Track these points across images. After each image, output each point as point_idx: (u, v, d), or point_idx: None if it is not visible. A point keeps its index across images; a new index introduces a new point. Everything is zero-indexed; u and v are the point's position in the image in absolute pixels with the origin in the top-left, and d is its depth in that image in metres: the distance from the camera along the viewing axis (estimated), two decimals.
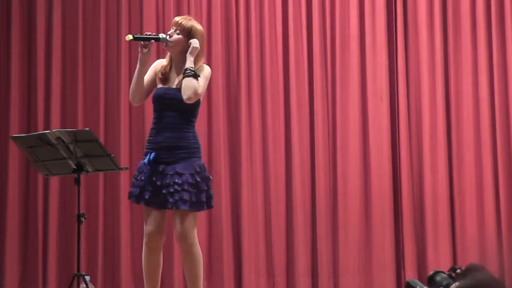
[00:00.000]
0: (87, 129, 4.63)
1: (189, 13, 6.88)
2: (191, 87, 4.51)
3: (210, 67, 6.76)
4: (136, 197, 4.61)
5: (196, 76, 4.53)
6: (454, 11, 6.78)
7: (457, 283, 2.53)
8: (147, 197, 4.57)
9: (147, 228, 4.62)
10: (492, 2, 6.73)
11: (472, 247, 6.37)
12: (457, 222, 6.63)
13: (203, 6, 6.92)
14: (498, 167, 6.62)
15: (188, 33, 4.62)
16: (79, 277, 4.62)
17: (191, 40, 4.57)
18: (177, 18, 4.69)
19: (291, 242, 6.70)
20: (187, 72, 4.53)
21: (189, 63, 4.55)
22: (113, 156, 4.60)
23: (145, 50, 4.57)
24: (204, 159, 6.69)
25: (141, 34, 4.61)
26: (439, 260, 6.52)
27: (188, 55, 4.56)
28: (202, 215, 6.57)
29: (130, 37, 4.50)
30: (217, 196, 6.74)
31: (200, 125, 6.72)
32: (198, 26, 4.67)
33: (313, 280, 6.66)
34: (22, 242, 6.79)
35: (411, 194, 6.67)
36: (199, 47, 4.57)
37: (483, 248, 6.39)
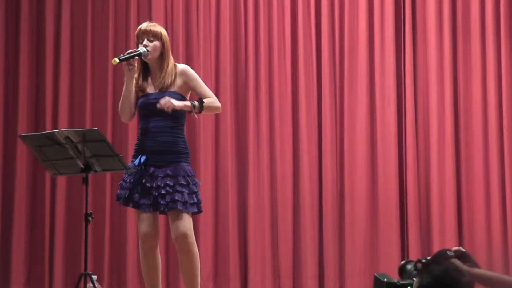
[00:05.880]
0: (96, 128, 4.64)
1: (197, 15, 6.89)
2: (215, 109, 4.75)
3: (218, 69, 6.87)
4: (124, 199, 4.65)
5: (201, 101, 4.64)
6: (463, 15, 6.76)
7: (417, 280, 2.54)
8: (136, 199, 4.60)
9: (141, 230, 4.65)
10: (501, 7, 6.71)
11: (479, 252, 6.35)
12: (464, 227, 6.61)
13: (212, 6, 6.92)
14: (505, 172, 6.59)
15: (160, 37, 4.71)
16: (86, 276, 4.62)
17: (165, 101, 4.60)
18: (143, 27, 4.76)
19: (297, 243, 6.70)
20: (197, 106, 4.62)
21: (187, 103, 4.62)
22: (121, 156, 4.61)
23: (130, 67, 4.65)
24: (211, 160, 6.76)
25: (124, 54, 4.65)
26: None
27: (179, 107, 4.59)
28: (208, 216, 6.58)
29: (116, 60, 4.58)
30: (223, 197, 6.75)
31: (207, 126, 6.76)
32: (163, 29, 4.78)
33: (319, 282, 6.65)
34: (29, 241, 6.81)
35: (417, 198, 6.66)
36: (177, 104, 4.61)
37: (490, 253, 6.39)
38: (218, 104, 4.74)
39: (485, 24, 6.73)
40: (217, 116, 6.80)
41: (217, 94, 6.80)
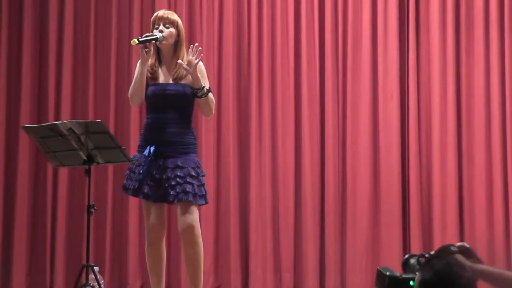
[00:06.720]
0: (99, 120, 4.63)
1: (201, 12, 6.88)
2: (209, 109, 4.71)
3: (220, 63, 6.86)
4: (134, 191, 4.64)
5: (209, 91, 4.65)
6: (467, 10, 6.75)
7: (419, 275, 2.53)
8: (145, 191, 4.59)
9: (149, 221, 4.65)
10: (505, 1, 6.70)
11: (480, 248, 6.35)
12: (465, 222, 6.61)
13: (215, 2, 6.91)
14: (507, 167, 6.59)
15: (176, 26, 4.71)
16: (88, 267, 4.63)
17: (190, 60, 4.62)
18: (160, 13, 4.75)
19: (299, 238, 6.69)
20: (203, 92, 4.61)
21: (200, 82, 4.62)
22: (124, 148, 4.61)
23: (147, 50, 4.64)
24: (213, 154, 6.76)
25: (141, 36, 4.66)
26: None
27: (194, 73, 4.60)
28: (209, 209, 6.58)
29: (136, 41, 4.58)
30: (225, 191, 6.75)
31: (209, 119, 6.74)
32: (179, 20, 4.78)
33: (320, 276, 6.65)
34: (31, 232, 6.81)
35: (419, 193, 6.66)
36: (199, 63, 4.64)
37: (491, 249, 6.39)
38: (212, 109, 4.76)
39: (488, 19, 6.72)
40: (219, 110, 6.79)
41: (219, 88, 6.81)
